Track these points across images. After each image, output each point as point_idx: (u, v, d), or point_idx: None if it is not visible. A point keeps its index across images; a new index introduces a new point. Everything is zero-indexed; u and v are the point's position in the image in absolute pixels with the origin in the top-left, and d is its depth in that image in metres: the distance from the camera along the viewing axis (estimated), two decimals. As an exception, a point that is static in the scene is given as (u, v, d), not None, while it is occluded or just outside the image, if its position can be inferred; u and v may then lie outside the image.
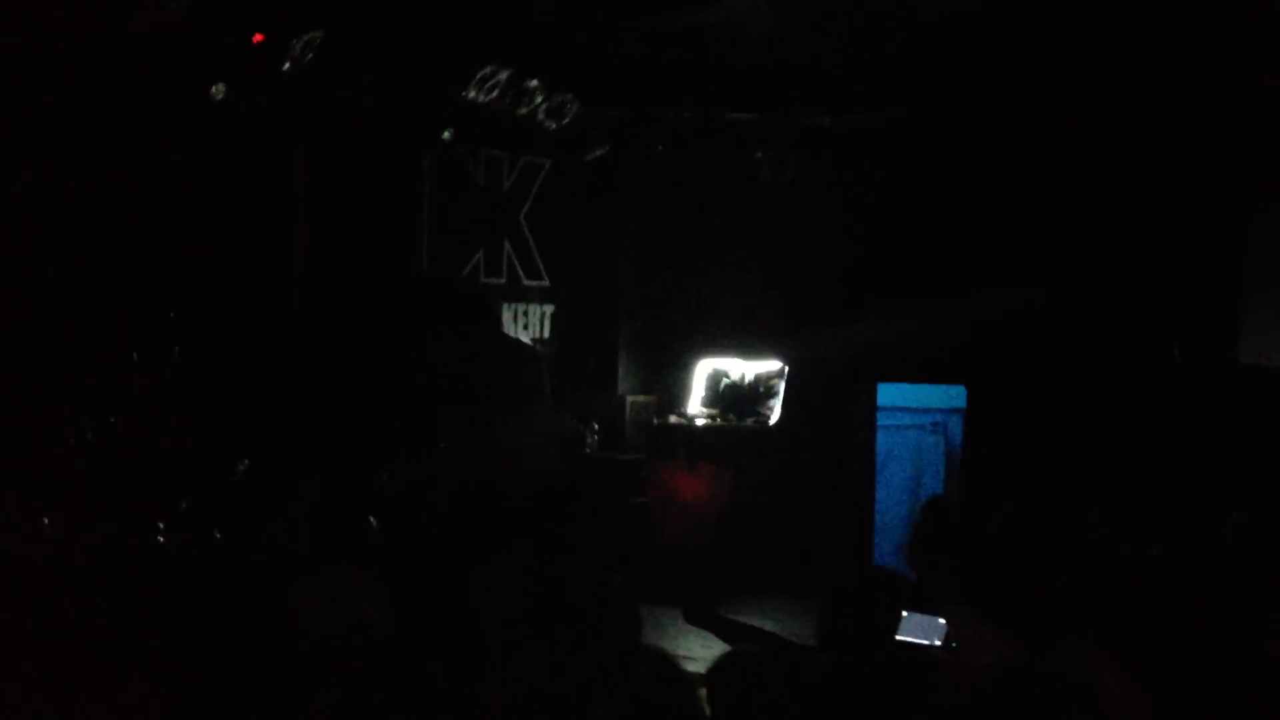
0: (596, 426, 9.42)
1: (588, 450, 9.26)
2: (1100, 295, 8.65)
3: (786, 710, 2.79)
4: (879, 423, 9.81)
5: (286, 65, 7.04)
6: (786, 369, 9.57)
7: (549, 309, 9.69)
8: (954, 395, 9.88)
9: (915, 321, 8.95)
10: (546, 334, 9.65)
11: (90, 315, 6.42)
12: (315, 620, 4.11)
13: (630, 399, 9.83)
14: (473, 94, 8.27)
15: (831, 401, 9.49)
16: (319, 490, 6.06)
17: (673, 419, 9.67)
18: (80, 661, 4.35)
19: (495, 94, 8.30)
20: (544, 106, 8.75)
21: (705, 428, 9.54)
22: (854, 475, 9.53)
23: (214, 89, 6.79)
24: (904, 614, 2.73)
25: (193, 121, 6.83)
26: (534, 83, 8.56)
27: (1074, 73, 7.95)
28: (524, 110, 8.69)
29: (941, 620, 2.86)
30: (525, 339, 9.42)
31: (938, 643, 2.64)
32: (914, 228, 9.25)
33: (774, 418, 9.51)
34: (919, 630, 2.76)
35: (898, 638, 2.72)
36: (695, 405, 9.80)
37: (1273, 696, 3.36)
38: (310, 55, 7.11)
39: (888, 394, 9.80)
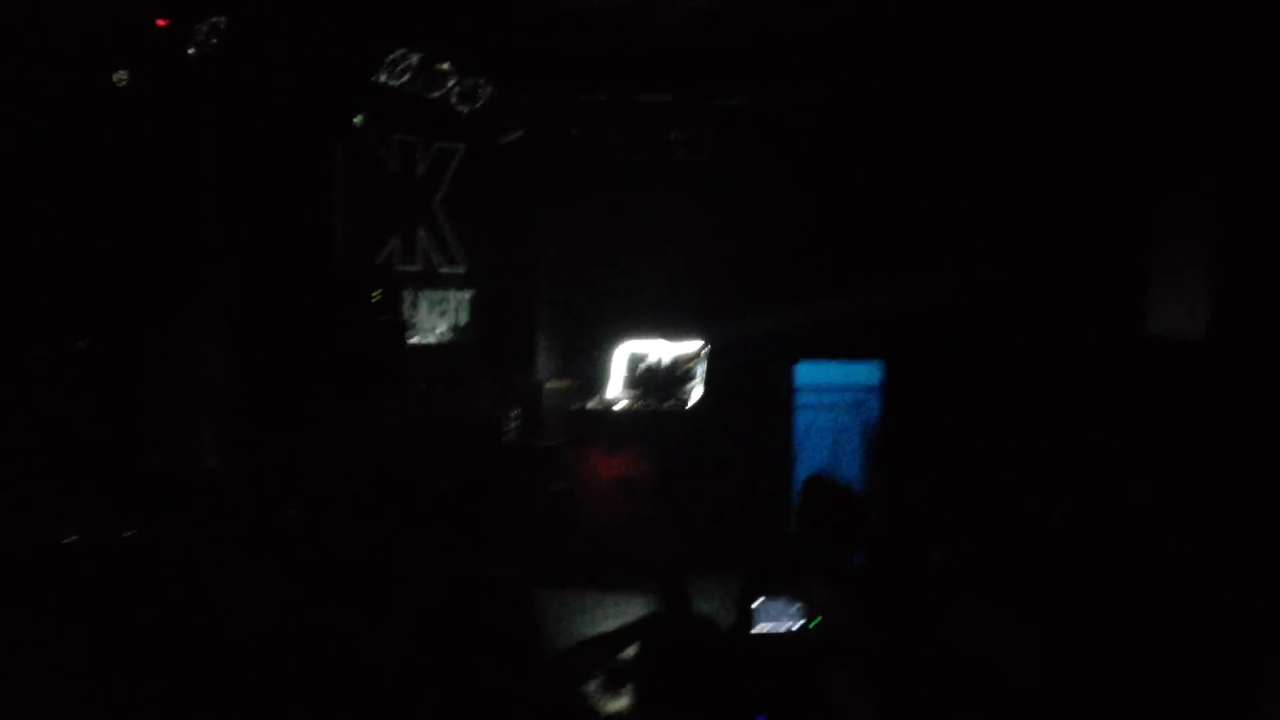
0: (515, 413, 9.38)
1: (507, 436, 9.22)
2: (1015, 274, 8.80)
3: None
4: (798, 402, 9.90)
5: (191, 50, 6.92)
6: (705, 350, 9.61)
7: (466, 295, 9.62)
8: (871, 374, 9.99)
9: (833, 300, 9.04)
10: (464, 320, 9.59)
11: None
12: (235, 613, 4.06)
13: (549, 384, 9.81)
14: (384, 78, 8.19)
15: (751, 382, 9.55)
16: (240, 481, 5.97)
17: (591, 404, 9.65)
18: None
19: (407, 78, 8.23)
20: (457, 90, 8.70)
21: (625, 411, 9.54)
22: (773, 454, 9.60)
23: (116, 75, 6.65)
24: (759, 600, 2.71)
25: (96, 109, 6.67)
26: (446, 66, 8.50)
27: (993, 55, 8.07)
28: (437, 94, 8.63)
29: (798, 603, 2.83)
30: (443, 326, 9.36)
31: (795, 626, 2.63)
32: (831, 207, 9.34)
33: (693, 399, 9.54)
34: (777, 615, 2.73)
35: (754, 630, 2.71)
36: (614, 389, 9.80)
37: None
38: (215, 40, 6.99)
39: (806, 373, 9.89)
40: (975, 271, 8.79)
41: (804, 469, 9.99)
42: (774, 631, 2.63)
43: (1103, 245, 8.57)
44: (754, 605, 2.69)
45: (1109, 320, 8.54)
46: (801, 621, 2.58)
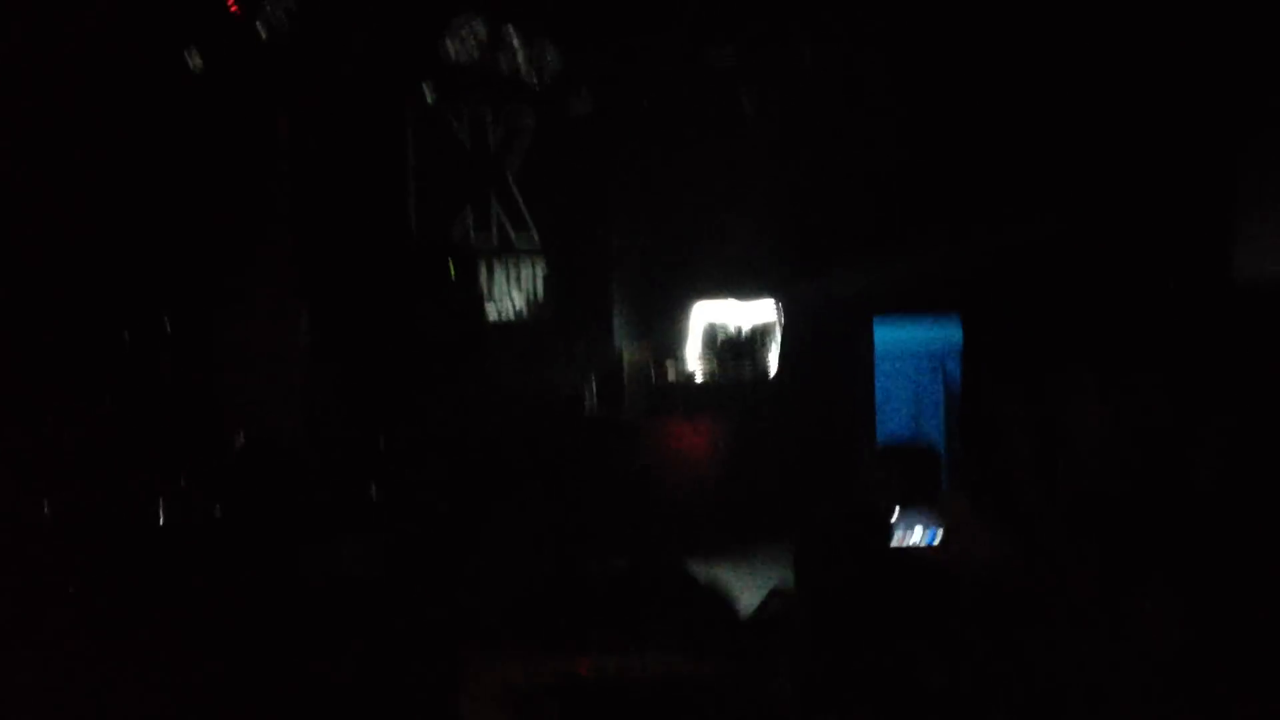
0: (594, 385, 9.36)
1: (586, 410, 9.21)
2: (1095, 224, 8.58)
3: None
4: (877, 366, 9.77)
5: (263, 31, 6.96)
6: (782, 315, 9.51)
7: (540, 266, 9.61)
8: (951, 335, 9.82)
9: (910, 256, 8.88)
10: (539, 292, 9.58)
11: (79, 293, 6.36)
12: (321, 585, 4.09)
13: (627, 356, 9.77)
14: (454, 51, 8.17)
15: (829, 345, 9.44)
16: (323, 459, 6.02)
17: (671, 375, 9.60)
18: (90, 640, 4.32)
19: (476, 49, 8.20)
20: (527, 61, 8.65)
21: (704, 382, 9.48)
22: (854, 419, 9.49)
23: (190, 59, 6.71)
24: (897, 510, 2.70)
25: (171, 92, 6.74)
26: (515, 37, 8.46)
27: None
28: (505, 66, 8.59)
29: (931, 517, 2.78)
30: (518, 299, 9.36)
31: (929, 540, 2.60)
32: (906, 161, 9.15)
33: (772, 367, 9.46)
34: (911, 524, 2.72)
35: (893, 541, 2.69)
36: (693, 359, 9.75)
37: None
38: (285, 20, 7.02)
39: (884, 336, 9.75)
40: (1054, 222, 8.58)
41: (885, 432, 9.87)
42: (910, 542, 2.63)
43: (1187, 186, 8.32)
44: (893, 519, 2.70)
45: (1195, 264, 8.31)
46: (936, 533, 2.56)
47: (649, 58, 9.07)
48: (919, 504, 3.41)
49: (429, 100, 8.29)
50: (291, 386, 7.00)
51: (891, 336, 9.84)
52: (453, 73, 8.34)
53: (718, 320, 9.77)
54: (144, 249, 6.69)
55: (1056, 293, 8.68)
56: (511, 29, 8.29)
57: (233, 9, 6.97)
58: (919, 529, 2.67)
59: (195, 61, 6.75)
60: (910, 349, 10.07)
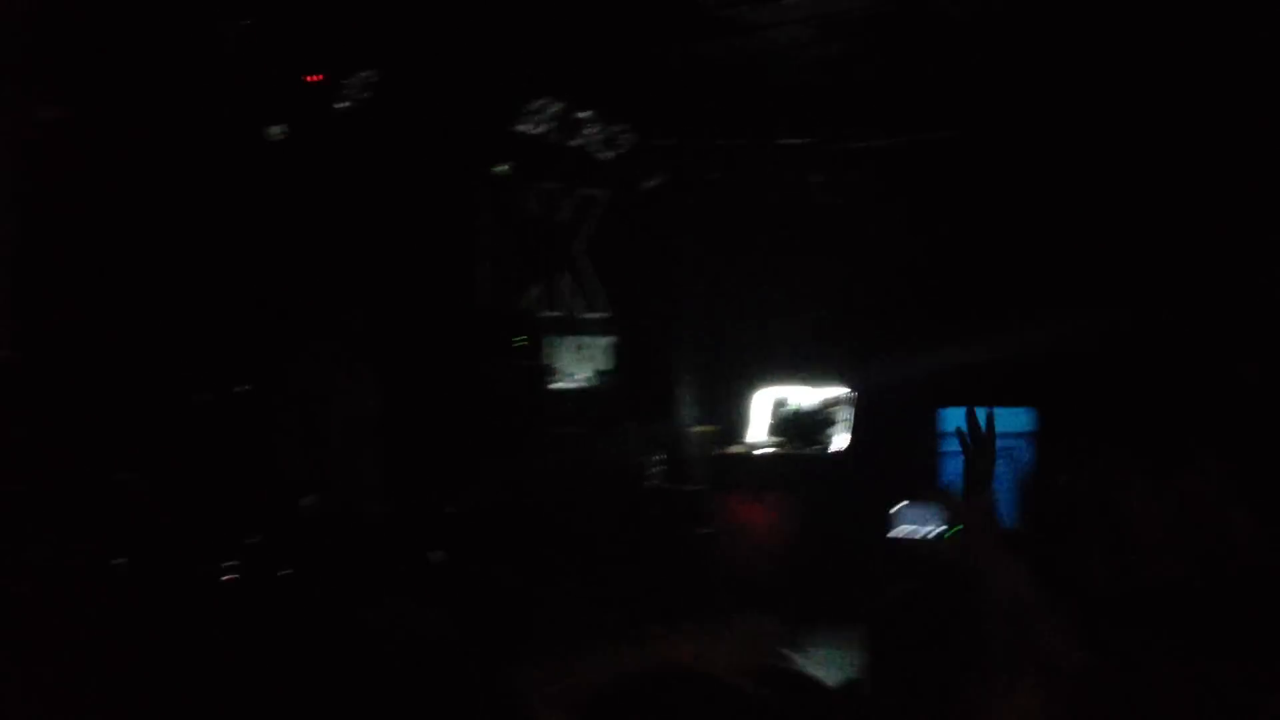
0: (658, 457, 9.35)
1: (649, 481, 9.19)
2: (1169, 313, 8.48)
3: None
4: (944, 448, 9.66)
5: (343, 103, 7.13)
6: (851, 395, 9.47)
7: (607, 340, 9.66)
8: (1021, 419, 9.71)
9: (980, 345, 8.82)
10: (606, 365, 9.62)
11: (159, 356, 6.48)
12: (382, 645, 4.08)
13: (692, 429, 9.76)
14: (526, 127, 8.31)
15: (895, 427, 9.36)
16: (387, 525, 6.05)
17: (735, 448, 9.57)
18: (161, 696, 4.35)
19: (548, 126, 8.34)
20: (597, 138, 8.78)
21: (768, 456, 9.43)
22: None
23: (272, 129, 6.88)
24: (901, 504, 2.62)
25: (252, 160, 6.91)
26: (587, 114, 8.60)
27: (1139, 91, 7.84)
28: (578, 142, 8.72)
29: (937, 507, 2.67)
30: (585, 371, 9.40)
31: (935, 532, 2.51)
32: (976, 249, 9.13)
33: (836, 445, 9.39)
34: (918, 519, 2.63)
35: (891, 534, 2.63)
36: (757, 434, 9.71)
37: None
38: (366, 93, 7.19)
39: (953, 419, 9.65)
40: (1131, 314, 8.49)
41: (948, 473, 9.71)
42: (913, 536, 2.55)
43: (1265, 277, 8.21)
44: (894, 509, 2.61)
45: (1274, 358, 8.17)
46: (942, 527, 2.49)
47: (719, 137, 9.18)
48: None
49: (502, 175, 8.42)
50: (361, 452, 7.05)
51: (960, 421, 9.73)
52: (526, 149, 8.48)
53: (784, 398, 9.74)
54: (222, 315, 6.82)
55: (1127, 381, 8.57)
56: (585, 109, 8.43)
57: (313, 80, 7.15)
58: (929, 523, 2.59)
59: (275, 131, 6.91)
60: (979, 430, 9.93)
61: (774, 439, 9.63)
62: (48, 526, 5.25)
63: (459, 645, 4.21)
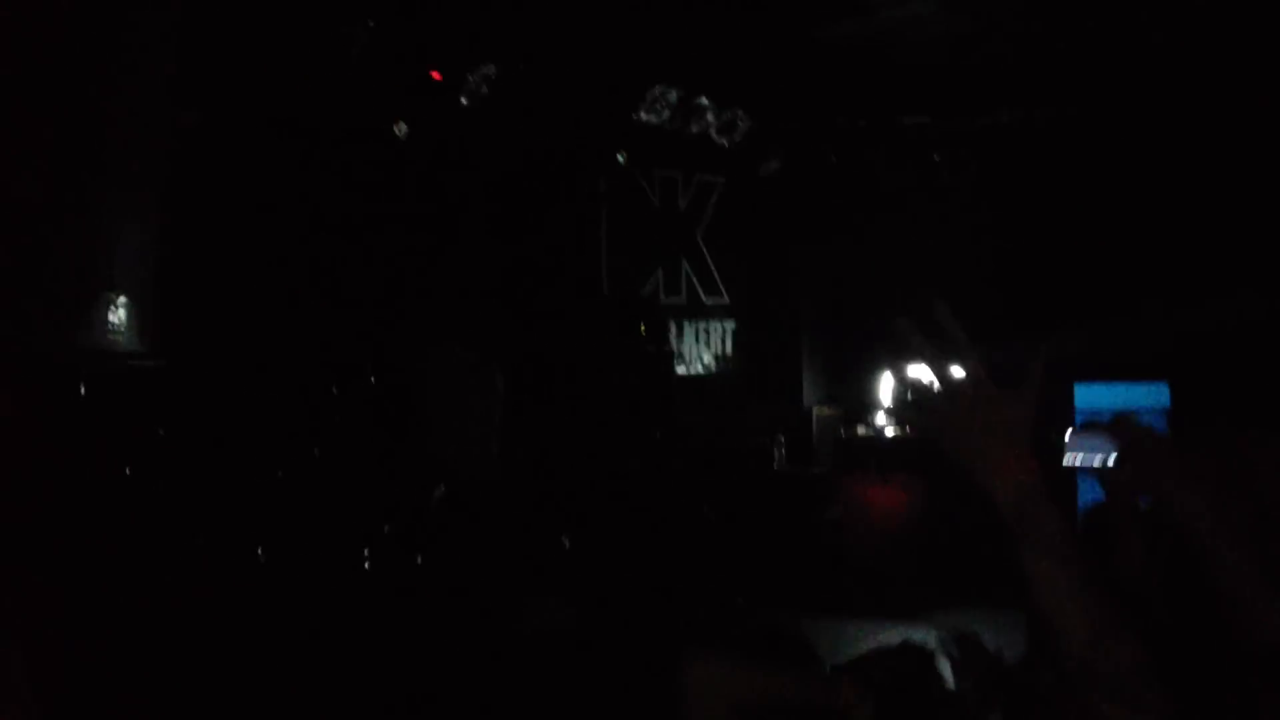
0: (783, 440, 9.36)
1: (775, 464, 9.21)
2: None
3: None
4: (1077, 425, 9.48)
5: (464, 99, 7.25)
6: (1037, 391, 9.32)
7: (730, 325, 9.68)
8: (1157, 396, 9.49)
9: (1112, 320, 8.64)
10: (729, 350, 9.65)
11: (293, 348, 6.68)
12: (514, 629, 4.18)
13: (816, 411, 9.74)
14: (644, 115, 8.36)
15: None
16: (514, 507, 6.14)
17: (860, 430, 9.53)
18: (298, 684, 4.50)
19: (666, 114, 8.37)
20: (715, 124, 8.79)
21: (895, 438, 9.37)
22: (1051, 480, 9.22)
23: (397, 127, 7.03)
24: (1070, 430, 2.45)
25: (378, 158, 7.07)
26: (704, 101, 8.61)
27: (1268, 58, 7.58)
28: (696, 128, 8.74)
29: (1111, 434, 2.51)
30: (708, 356, 9.44)
31: (1109, 462, 2.35)
32: (1103, 224, 8.94)
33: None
34: (1090, 447, 2.45)
35: (1065, 461, 2.44)
36: (883, 415, 9.65)
37: None
38: (485, 89, 7.30)
39: (1085, 396, 9.47)
40: (1268, 289, 8.23)
41: (1086, 494, 9.53)
42: (1085, 464, 2.38)
43: None
44: (1066, 435, 2.42)
45: None
46: (1115, 455, 2.31)
47: (839, 118, 9.12)
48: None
49: (622, 163, 8.48)
50: (489, 440, 7.18)
51: (1094, 398, 9.56)
52: (645, 136, 8.53)
53: (910, 377, 9.64)
54: (354, 310, 7.00)
55: (1267, 359, 8.32)
56: (703, 96, 8.44)
57: (436, 77, 7.28)
58: (1096, 453, 2.45)
59: (401, 128, 7.06)
60: (1113, 410, 9.74)
61: (901, 419, 9.55)
62: (194, 521, 5.47)
63: (594, 636, 4.31)
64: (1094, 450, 2.35)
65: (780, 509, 8.69)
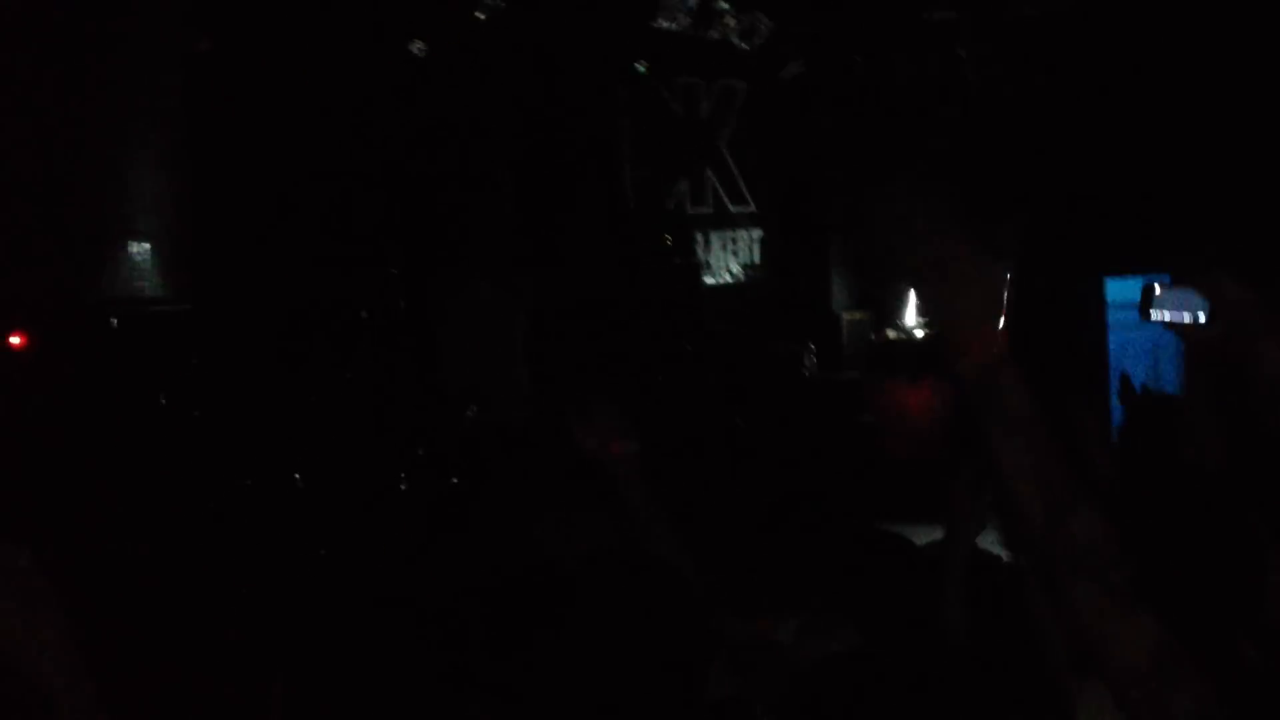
0: (814, 347, 9.31)
1: (805, 370, 9.17)
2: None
3: None
4: (1112, 320, 9.38)
5: (480, 14, 7.16)
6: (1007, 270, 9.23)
7: (757, 233, 9.61)
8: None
9: (1143, 212, 8.51)
10: (756, 258, 9.59)
11: (327, 278, 6.69)
12: (557, 552, 4.21)
13: (846, 316, 9.68)
14: (663, 22, 8.23)
15: (1059, 300, 9.12)
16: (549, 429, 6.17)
17: (891, 333, 9.46)
18: (347, 598, 4.57)
19: (686, 19, 8.24)
20: (735, 28, 8.65)
21: (926, 338, 9.30)
22: (1086, 376, 9.15)
23: (414, 46, 6.96)
24: (1158, 287, 2.33)
25: (397, 78, 7.01)
26: (723, 4, 8.46)
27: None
28: (715, 34, 8.61)
29: (1199, 290, 2.36)
30: (735, 265, 9.39)
31: (1199, 318, 2.24)
32: (1133, 116, 8.76)
33: (999, 322, 9.20)
34: (1178, 305, 2.32)
35: (1152, 318, 2.30)
36: (913, 316, 9.57)
37: None
38: (500, 3, 7.21)
39: (1119, 290, 9.36)
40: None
41: (1115, 343, 9.43)
42: (1174, 321, 2.27)
43: None
44: (1155, 291, 2.28)
45: None
46: (1204, 312, 2.21)
47: (860, 16, 8.94)
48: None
49: (642, 73, 8.37)
50: (516, 360, 7.21)
51: (1126, 292, 9.45)
52: (664, 43, 8.40)
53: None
54: (382, 233, 6.99)
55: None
56: (724, 3, 8.29)
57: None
58: (1186, 310, 2.29)
59: (419, 47, 6.99)
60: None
61: (930, 320, 9.49)
62: (230, 447, 5.52)
63: (631, 559, 4.32)
64: (1183, 308, 2.23)
65: (812, 414, 8.68)
